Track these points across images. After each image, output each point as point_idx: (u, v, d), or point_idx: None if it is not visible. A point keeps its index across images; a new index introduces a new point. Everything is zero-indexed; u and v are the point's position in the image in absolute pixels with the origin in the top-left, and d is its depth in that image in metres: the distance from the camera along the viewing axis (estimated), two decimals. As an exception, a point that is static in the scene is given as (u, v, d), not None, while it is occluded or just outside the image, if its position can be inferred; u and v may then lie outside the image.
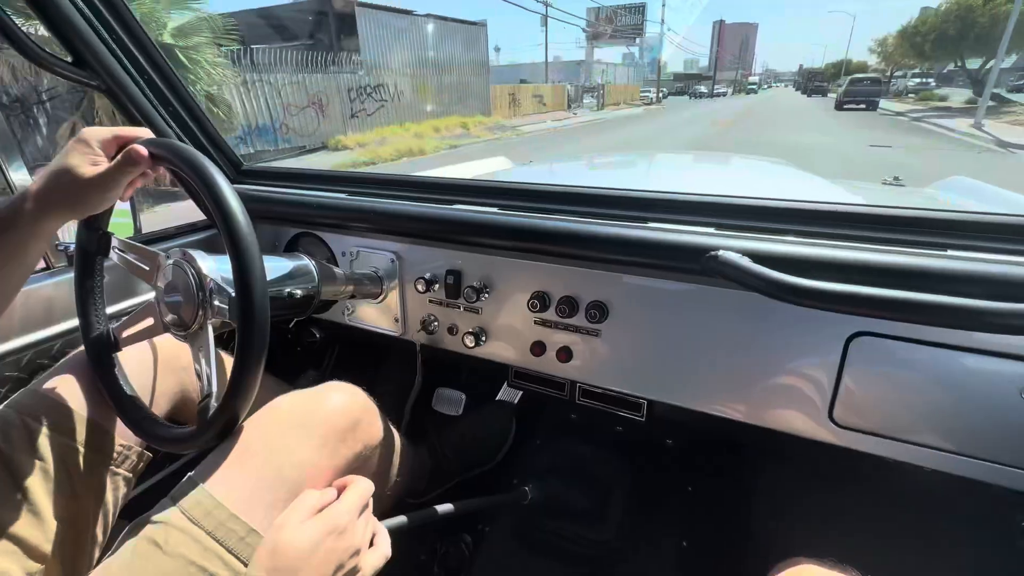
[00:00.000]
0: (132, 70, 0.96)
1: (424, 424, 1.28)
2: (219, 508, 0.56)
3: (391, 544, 0.65)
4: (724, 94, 77.36)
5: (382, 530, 0.65)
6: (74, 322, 0.96)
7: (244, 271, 0.58)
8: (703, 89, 70.34)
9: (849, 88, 26.18)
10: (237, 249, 0.59)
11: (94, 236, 0.75)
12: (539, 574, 1.08)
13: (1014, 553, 0.78)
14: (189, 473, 0.60)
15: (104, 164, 0.62)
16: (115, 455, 0.76)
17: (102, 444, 0.75)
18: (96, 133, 0.64)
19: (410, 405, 1.44)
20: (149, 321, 0.74)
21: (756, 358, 0.78)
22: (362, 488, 0.60)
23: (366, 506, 0.60)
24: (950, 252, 0.64)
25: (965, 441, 0.68)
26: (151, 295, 1.07)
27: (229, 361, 0.78)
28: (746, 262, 0.64)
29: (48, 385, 0.73)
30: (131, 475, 0.79)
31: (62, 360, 0.78)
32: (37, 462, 0.67)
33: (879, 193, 1.75)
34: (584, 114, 27.85)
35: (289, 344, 1.48)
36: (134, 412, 0.70)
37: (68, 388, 0.74)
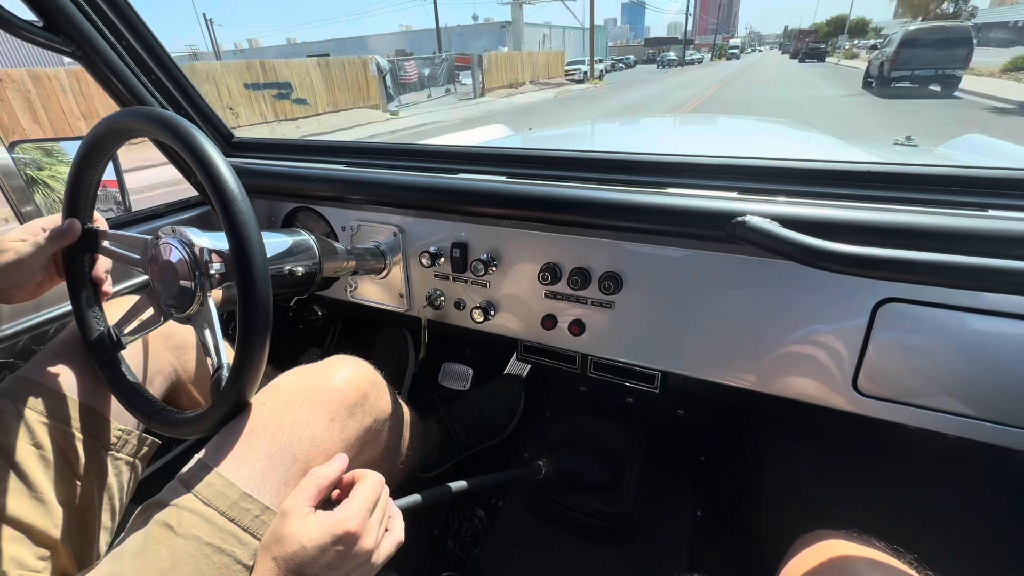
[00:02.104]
0: (110, 35, 0.89)
1: (432, 399, 1.27)
2: (231, 488, 0.54)
3: (404, 521, 0.63)
4: (699, 61, 65.70)
5: (397, 514, 0.63)
6: (64, 307, 0.92)
7: (242, 245, 0.55)
8: (672, 56, 58.78)
9: (906, 52, 13.35)
10: (233, 223, 0.55)
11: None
12: (553, 547, 1.08)
13: None
14: (197, 455, 0.58)
15: (32, 240, 0.67)
16: (113, 440, 0.74)
17: (99, 430, 0.73)
18: (43, 221, 0.71)
19: (408, 380, 1.43)
20: (148, 312, 0.70)
21: (777, 327, 0.75)
22: (372, 484, 0.58)
23: (377, 502, 0.58)
24: (991, 212, 0.60)
25: (991, 406, 0.67)
26: (142, 278, 1.05)
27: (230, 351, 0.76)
28: (776, 227, 0.60)
29: (39, 371, 0.71)
30: (134, 460, 0.77)
31: (47, 346, 0.76)
32: (35, 449, 0.66)
33: (892, 153, 1.70)
34: (411, 114, 14.80)
35: (291, 322, 1.45)
36: (145, 406, 0.68)
37: (60, 373, 0.72)
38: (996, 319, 0.62)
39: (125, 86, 0.93)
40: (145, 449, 0.79)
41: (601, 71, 32.56)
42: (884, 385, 0.71)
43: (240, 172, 1.09)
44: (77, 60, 0.86)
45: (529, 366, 1.28)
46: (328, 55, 17.79)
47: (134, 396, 0.69)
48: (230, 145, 1.18)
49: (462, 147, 0.99)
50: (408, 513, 0.67)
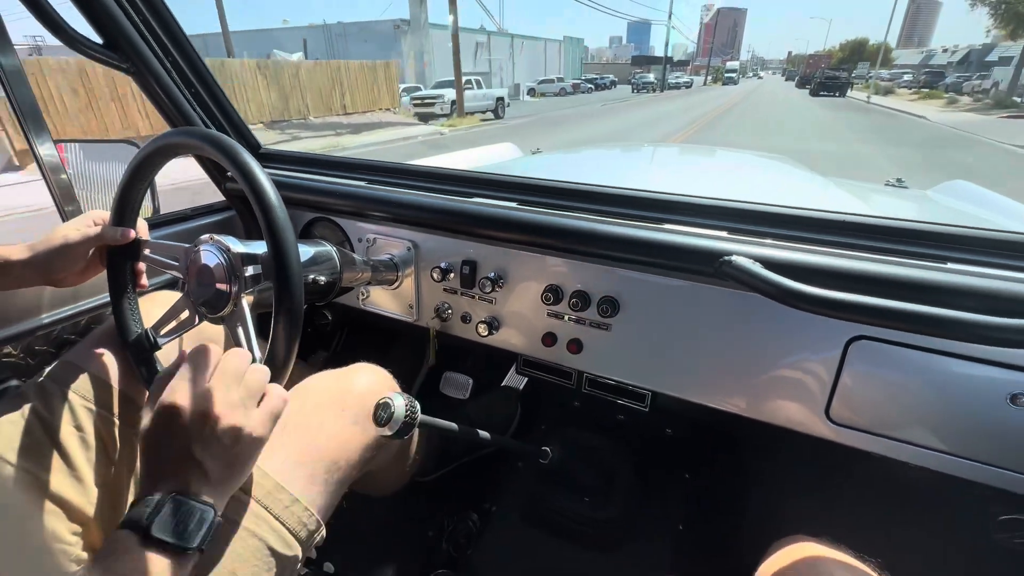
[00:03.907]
0: (160, 52, 0.97)
1: (433, 406, 1.33)
2: (266, 478, 0.60)
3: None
4: (687, 85, 54.66)
5: (271, 389, 0.57)
6: (101, 299, 0.99)
7: (280, 249, 0.61)
8: (650, 78, 47.09)
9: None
10: (273, 229, 0.61)
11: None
12: (544, 551, 1.14)
13: (989, 544, 0.84)
14: None
15: (83, 231, 0.73)
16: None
17: (135, 418, 0.78)
18: (94, 214, 0.77)
19: (418, 386, 1.49)
20: (184, 314, 0.76)
21: (759, 356, 0.82)
22: (198, 356, 0.54)
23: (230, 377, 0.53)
24: (950, 265, 0.67)
25: (952, 441, 0.73)
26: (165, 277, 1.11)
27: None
28: (758, 268, 0.67)
29: (85, 358, 0.77)
30: None
31: (91, 335, 0.82)
32: (76, 431, 0.71)
33: (882, 194, 1.78)
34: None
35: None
36: None
37: (102, 362, 0.77)
38: (957, 361, 0.69)
39: (171, 99, 1.00)
40: None
41: (513, 98, 25.84)
42: (854, 415, 0.78)
43: None
44: (131, 75, 0.94)
45: (526, 379, 1.34)
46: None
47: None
48: (258, 156, 1.25)
49: (477, 172, 1.06)
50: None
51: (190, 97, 1.07)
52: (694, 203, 0.83)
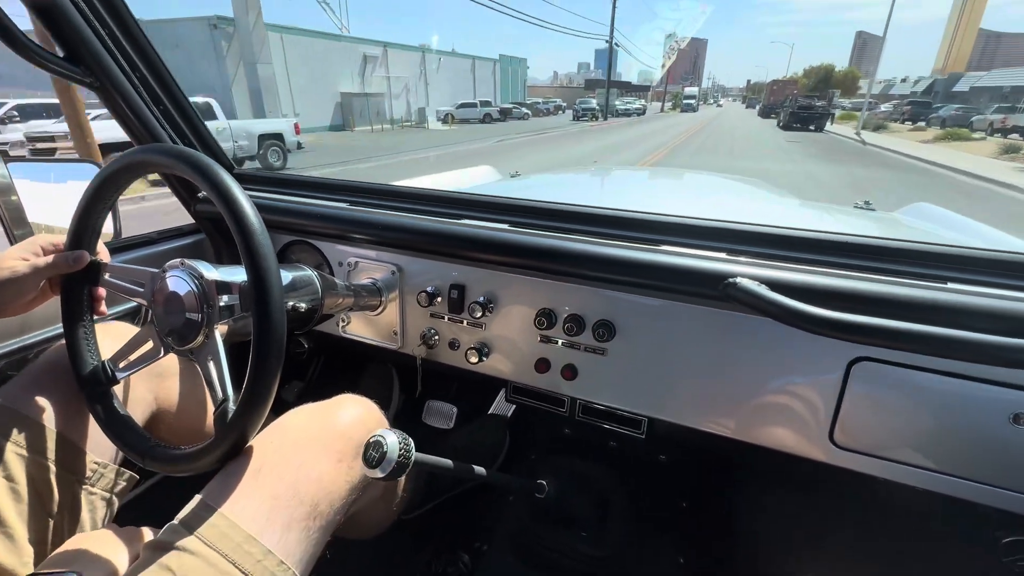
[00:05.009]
0: (126, 66, 0.91)
1: (415, 438, 1.26)
2: (234, 529, 0.53)
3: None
4: (639, 112, 46.38)
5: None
6: (52, 331, 0.90)
7: (261, 277, 0.57)
8: (594, 104, 38.06)
9: None
10: (254, 255, 0.57)
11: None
12: None
13: (997, 568, 0.83)
14: (198, 495, 0.57)
15: (31, 261, 0.68)
16: (88, 474, 0.72)
17: (74, 462, 0.70)
18: (42, 239, 0.71)
19: (399, 416, 1.42)
20: (147, 345, 0.69)
21: (760, 379, 0.80)
22: None
23: None
24: (950, 284, 0.68)
25: (955, 462, 0.72)
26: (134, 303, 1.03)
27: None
28: (764, 290, 0.66)
29: (18, 398, 0.69)
30: (109, 494, 0.74)
31: (24, 371, 0.74)
32: (7, 482, 0.63)
33: (851, 216, 1.84)
34: None
35: None
36: (139, 443, 0.66)
37: (40, 402, 0.69)
38: (959, 380, 0.69)
39: (137, 117, 0.94)
40: (123, 484, 0.77)
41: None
42: (858, 438, 0.77)
43: None
44: (94, 91, 0.88)
45: (514, 406, 1.29)
46: None
47: (127, 433, 0.67)
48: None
49: (465, 193, 1.03)
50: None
51: (159, 114, 1.01)
52: (691, 224, 0.82)
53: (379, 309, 1.07)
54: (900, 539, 0.95)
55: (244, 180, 1.20)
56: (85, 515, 0.71)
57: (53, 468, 0.67)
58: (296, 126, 12.10)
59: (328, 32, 24.85)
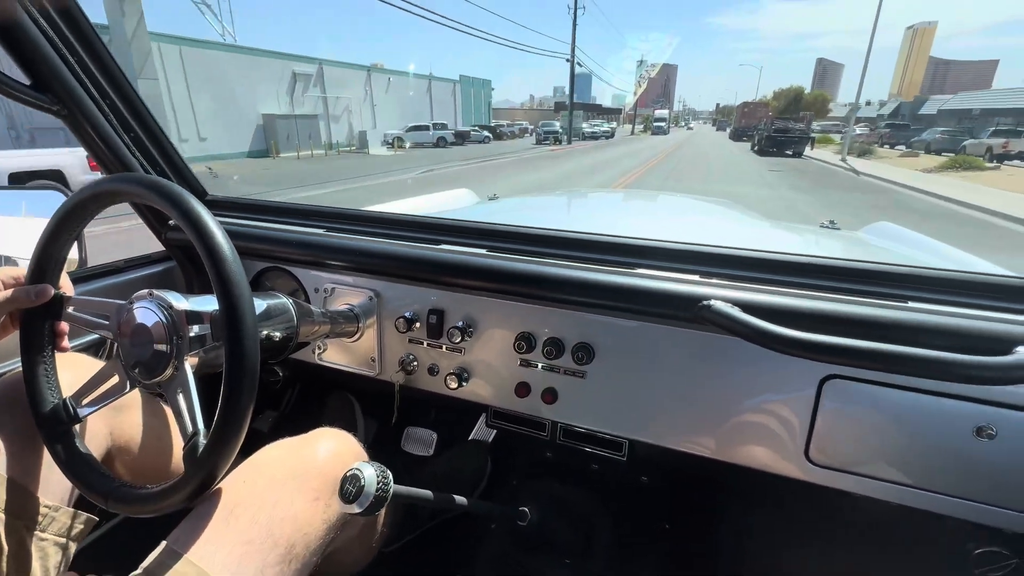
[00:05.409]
0: (96, 94, 0.90)
1: (395, 466, 1.23)
2: None
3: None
4: (607, 135, 41.61)
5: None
6: (9, 365, 0.86)
7: (234, 306, 0.55)
8: (556, 127, 34.74)
9: None
10: (226, 284, 0.56)
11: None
12: None
13: None
14: (165, 540, 0.54)
15: None
16: (40, 518, 0.67)
17: (24, 508, 0.66)
18: (5, 271, 0.68)
19: (377, 444, 1.38)
20: (112, 380, 0.66)
21: (737, 399, 0.81)
22: None
23: None
24: (911, 304, 0.70)
25: (925, 476, 0.74)
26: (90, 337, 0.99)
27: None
28: (737, 312, 0.67)
29: None
30: (64, 539, 0.70)
31: None
32: None
33: (818, 235, 1.91)
34: None
35: None
36: (102, 484, 0.62)
37: None
38: (925, 396, 0.71)
39: (107, 145, 0.92)
40: (80, 527, 0.72)
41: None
42: (832, 455, 0.78)
43: None
44: (62, 119, 0.86)
45: (495, 431, 1.28)
46: None
47: (89, 474, 0.64)
48: (205, 203, 1.17)
49: (442, 219, 1.04)
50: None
51: (129, 141, 0.99)
52: (665, 248, 0.84)
53: (356, 335, 1.06)
54: (876, 554, 0.96)
55: (217, 206, 1.18)
56: (36, 564, 0.66)
57: (3, 516, 0.63)
58: (90, 160, 6.90)
59: (247, 47, 21.63)
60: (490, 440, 1.31)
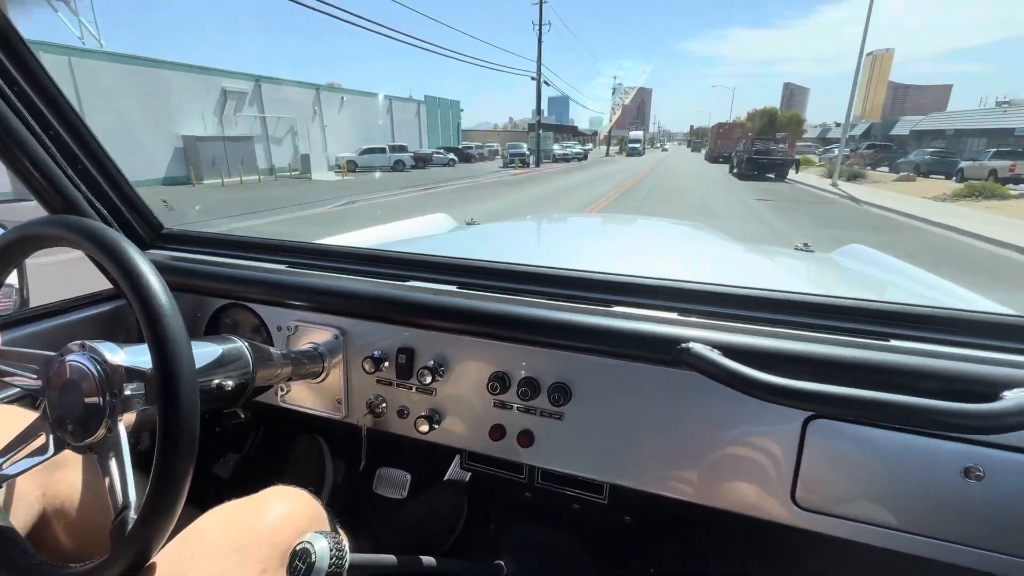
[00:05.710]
0: (36, 127, 0.84)
1: (365, 511, 1.16)
2: None
3: None
4: (579, 157, 39.79)
5: None
6: None
7: (168, 364, 0.50)
8: (523, 149, 32.55)
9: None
10: (160, 340, 0.51)
11: None
12: None
13: None
14: None
15: None
16: None
17: None
18: None
19: (327, 491, 1.31)
20: (38, 441, 0.60)
21: (719, 441, 0.78)
22: None
23: None
24: (892, 342, 0.68)
25: (914, 520, 0.71)
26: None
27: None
28: (716, 355, 0.65)
29: None
30: None
31: None
32: None
33: (793, 259, 1.92)
34: None
35: (207, 425, 1.31)
36: (22, 560, 0.56)
37: None
38: (911, 436, 0.69)
39: (49, 180, 0.86)
40: None
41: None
42: (819, 498, 0.75)
43: (167, 268, 1.02)
44: None
45: (471, 472, 1.22)
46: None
47: (8, 546, 0.57)
48: (160, 236, 1.11)
49: (412, 254, 0.99)
50: None
51: (75, 175, 0.93)
52: (642, 284, 0.81)
53: (322, 376, 1.00)
54: None
55: (174, 240, 1.12)
56: None
57: None
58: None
59: (160, 60, 18.62)
60: (467, 480, 1.24)
